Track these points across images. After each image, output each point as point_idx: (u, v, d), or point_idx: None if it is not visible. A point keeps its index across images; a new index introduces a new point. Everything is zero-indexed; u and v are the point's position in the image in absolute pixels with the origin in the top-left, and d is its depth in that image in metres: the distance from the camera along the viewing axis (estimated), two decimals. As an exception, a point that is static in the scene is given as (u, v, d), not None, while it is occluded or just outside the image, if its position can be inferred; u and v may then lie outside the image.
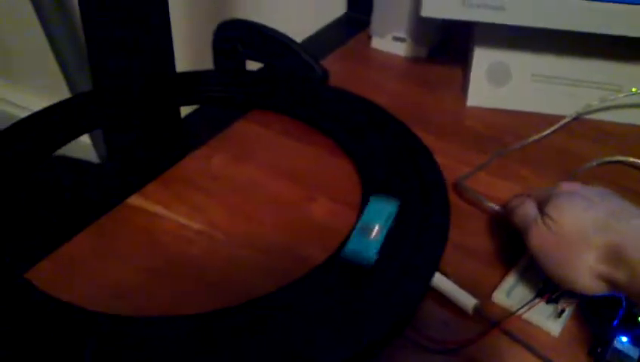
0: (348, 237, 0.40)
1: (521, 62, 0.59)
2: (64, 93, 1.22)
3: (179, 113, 0.51)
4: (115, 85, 0.44)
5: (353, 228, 0.40)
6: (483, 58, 0.59)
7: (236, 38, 0.63)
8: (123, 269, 0.40)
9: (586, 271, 0.35)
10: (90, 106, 0.53)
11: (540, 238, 0.37)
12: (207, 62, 0.65)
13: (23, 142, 0.50)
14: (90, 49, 0.42)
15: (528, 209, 0.40)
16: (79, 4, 0.41)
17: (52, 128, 0.51)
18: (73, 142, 0.52)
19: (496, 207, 0.45)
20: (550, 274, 0.37)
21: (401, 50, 0.69)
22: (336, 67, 0.64)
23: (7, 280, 0.38)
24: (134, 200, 0.46)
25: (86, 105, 0.54)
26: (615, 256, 0.34)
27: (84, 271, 0.40)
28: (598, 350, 0.36)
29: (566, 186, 0.40)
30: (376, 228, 0.40)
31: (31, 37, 1.23)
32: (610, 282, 0.35)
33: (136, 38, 0.42)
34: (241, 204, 0.46)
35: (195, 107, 0.59)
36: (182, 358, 0.34)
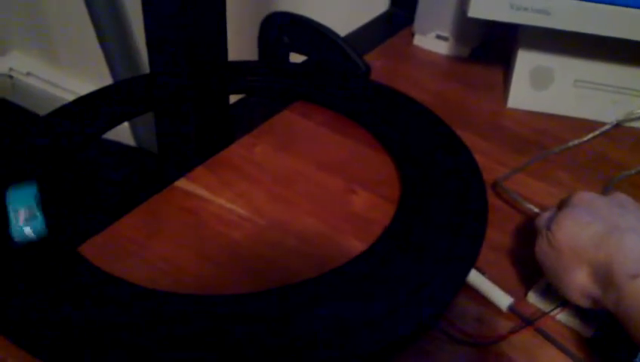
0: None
1: (564, 67, 0.59)
2: (107, 77, 1.25)
3: (227, 101, 0.52)
4: (169, 70, 0.46)
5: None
6: (526, 61, 0.59)
7: (282, 30, 0.64)
8: (169, 248, 0.42)
9: (577, 288, 0.36)
10: (141, 90, 0.55)
11: (540, 250, 0.38)
12: (252, 53, 0.66)
13: (77, 122, 0.52)
14: (149, 35, 0.44)
15: (541, 220, 0.40)
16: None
17: (103, 110, 0.53)
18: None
19: (534, 209, 0.46)
20: (551, 284, 0.38)
21: (443, 48, 0.69)
22: (378, 63, 0.65)
23: (62, 254, 0.40)
24: (182, 183, 0.47)
25: (137, 89, 0.56)
26: (604, 275, 0.34)
27: (134, 248, 0.42)
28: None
29: (580, 196, 0.39)
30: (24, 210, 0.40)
31: (77, 22, 1.26)
32: (599, 303, 0.35)
33: (193, 26, 0.44)
34: (283, 192, 0.48)
35: (240, 96, 0.60)
36: (222, 335, 0.35)
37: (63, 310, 0.36)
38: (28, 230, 0.40)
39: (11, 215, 0.40)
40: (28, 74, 1.48)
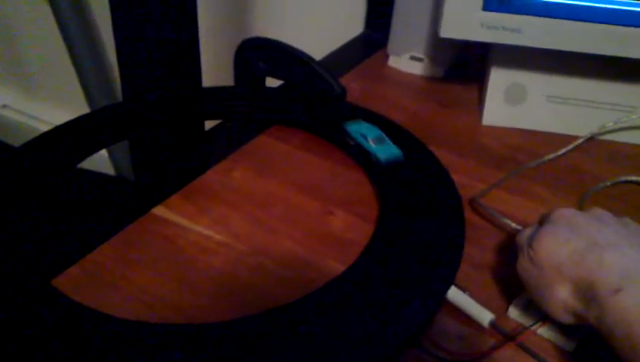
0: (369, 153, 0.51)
1: (537, 83, 0.60)
2: (83, 107, 1.25)
3: (203, 127, 0.52)
4: (144, 98, 0.45)
5: (365, 144, 0.51)
6: (499, 78, 0.60)
7: (258, 55, 0.65)
8: (148, 278, 0.41)
9: (558, 305, 0.36)
10: (116, 118, 0.55)
11: (521, 268, 0.38)
12: (228, 79, 0.66)
13: (50, 153, 0.51)
14: (122, 63, 0.44)
15: (522, 237, 0.40)
16: (112, 20, 0.42)
17: (78, 139, 0.53)
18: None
19: (512, 224, 0.46)
20: (533, 300, 0.38)
21: (418, 69, 0.70)
22: (353, 85, 0.65)
23: (35, 287, 0.39)
24: (158, 210, 0.47)
25: (112, 117, 0.55)
26: (586, 292, 0.34)
27: (110, 278, 0.41)
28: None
29: (559, 213, 0.39)
30: (381, 136, 0.52)
31: (52, 51, 1.25)
32: (581, 319, 0.35)
33: (166, 53, 0.44)
34: (261, 216, 0.47)
35: (216, 122, 0.60)
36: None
37: (37, 345, 0.35)
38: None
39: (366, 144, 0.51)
40: (4, 106, 1.47)
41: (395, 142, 0.55)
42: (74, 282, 0.40)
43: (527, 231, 0.40)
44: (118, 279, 0.41)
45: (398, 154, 0.51)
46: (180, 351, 0.36)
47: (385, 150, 0.51)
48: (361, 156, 0.52)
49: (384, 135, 0.52)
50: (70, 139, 0.53)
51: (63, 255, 0.43)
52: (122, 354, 0.35)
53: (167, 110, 0.46)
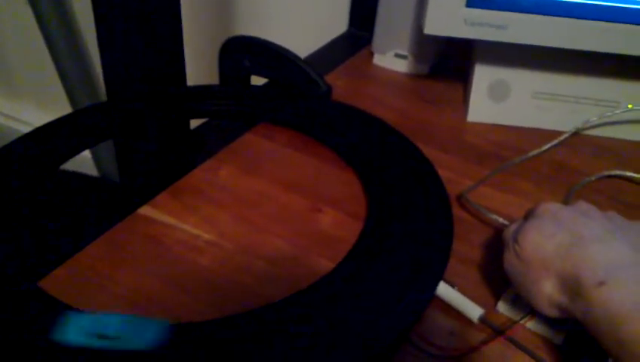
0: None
1: (521, 79, 0.60)
2: (66, 107, 1.23)
3: (188, 125, 0.52)
4: (128, 97, 0.45)
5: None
6: (483, 75, 0.61)
7: (242, 53, 0.64)
8: (135, 277, 0.41)
9: (544, 299, 0.36)
10: (100, 118, 0.54)
11: (508, 262, 0.39)
12: (212, 78, 0.66)
13: (33, 154, 0.50)
14: (105, 62, 0.44)
15: (508, 232, 0.40)
16: (95, 19, 0.42)
17: (62, 140, 0.52)
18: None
19: (499, 219, 0.46)
20: (520, 295, 0.39)
21: (402, 67, 0.70)
22: (338, 83, 0.65)
23: (22, 289, 0.39)
24: (145, 210, 0.46)
25: (96, 117, 0.55)
26: (571, 285, 0.34)
27: (97, 279, 0.41)
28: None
29: (544, 207, 0.39)
30: None
31: (33, 51, 1.24)
32: (567, 312, 0.35)
33: (150, 52, 0.44)
34: (249, 215, 0.47)
35: (202, 120, 0.60)
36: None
37: (24, 347, 0.35)
38: None
39: None
40: (-16, 108, 1.45)
41: (381, 139, 0.55)
42: (61, 283, 0.40)
43: (513, 226, 0.40)
44: (105, 279, 0.41)
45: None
46: (168, 349, 0.35)
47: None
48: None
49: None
50: (54, 139, 0.52)
51: (49, 256, 0.42)
52: (110, 354, 0.35)
53: (152, 109, 0.46)
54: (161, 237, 0.44)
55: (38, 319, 0.37)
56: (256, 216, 0.47)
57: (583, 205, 0.39)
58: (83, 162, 1.21)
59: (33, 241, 0.45)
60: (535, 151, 0.56)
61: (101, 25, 0.43)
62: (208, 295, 0.41)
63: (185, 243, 0.44)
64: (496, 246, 0.46)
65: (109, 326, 0.34)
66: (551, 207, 0.39)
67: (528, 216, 0.40)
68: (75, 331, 0.34)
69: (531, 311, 0.39)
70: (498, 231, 0.47)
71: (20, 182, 0.47)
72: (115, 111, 0.46)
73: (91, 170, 1.26)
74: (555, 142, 0.57)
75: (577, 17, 0.53)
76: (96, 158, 1.22)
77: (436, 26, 0.55)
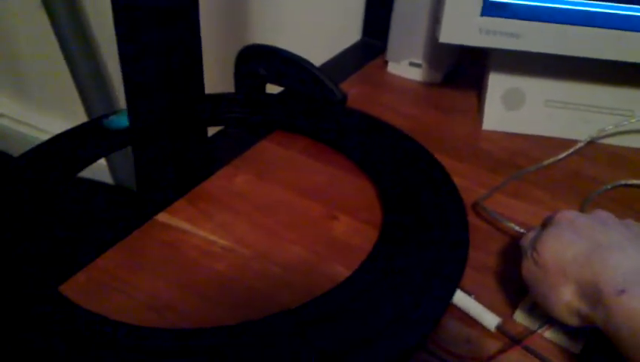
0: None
1: (536, 88, 0.60)
2: (81, 115, 1.25)
3: (206, 133, 0.52)
4: (147, 105, 0.46)
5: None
6: (498, 83, 0.61)
7: (258, 61, 0.65)
8: (153, 283, 0.41)
9: (563, 307, 0.36)
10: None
11: (526, 270, 0.39)
12: (228, 86, 0.66)
13: (52, 161, 0.51)
14: (125, 70, 0.44)
15: (526, 240, 0.40)
16: (115, 27, 0.43)
17: (80, 147, 0.53)
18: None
19: (515, 227, 0.46)
20: (538, 303, 0.39)
21: (416, 75, 0.71)
22: (353, 91, 0.65)
23: (42, 293, 0.39)
24: (162, 216, 0.47)
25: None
26: (591, 293, 0.34)
27: (116, 284, 0.41)
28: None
29: (562, 215, 0.39)
30: None
31: (48, 58, 1.25)
32: (587, 320, 0.35)
33: (170, 60, 0.44)
34: (265, 222, 0.47)
35: (218, 128, 0.60)
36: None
37: (46, 351, 0.35)
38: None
39: None
40: (1, 115, 1.47)
41: (396, 147, 0.55)
42: (80, 288, 0.40)
43: (531, 234, 0.40)
44: (124, 285, 0.41)
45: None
46: (186, 355, 0.36)
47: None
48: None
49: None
50: (73, 146, 0.53)
51: (68, 262, 0.43)
52: (129, 359, 0.35)
53: (170, 117, 0.46)
54: (177, 243, 0.45)
55: (59, 323, 0.37)
56: (272, 223, 0.47)
57: (601, 213, 0.39)
58: (98, 170, 1.22)
59: (52, 247, 0.46)
60: (550, 160, 0.56)
61: (122, 34, 0.43)
62: (224, 300, 0.41)
63: (201, 249, 0.44)
64: (512, 254, 0.46)
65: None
66: (569, 215, 0.39)
67: (546, 224, 0.40)
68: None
69: (549, 320, 0.39)
70: (514, 240, 0.47)
71: (38, 189, 0.48)
72: (134, 118, 0.47)
73: (106, 177, 1.27)
74: (570, 150, 0.57)
75: (592, 26, 0.53)
76: (112, 166, 1.23)
77: (451, 34, 0.56)
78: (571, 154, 0.57)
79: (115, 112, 0.55)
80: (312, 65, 0.63)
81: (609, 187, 0.53)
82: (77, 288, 0.40)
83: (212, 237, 0.45)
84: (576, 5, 0.53)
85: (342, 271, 0.43)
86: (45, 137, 0.53)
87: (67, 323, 0.37)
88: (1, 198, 0.47)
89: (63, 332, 0.37)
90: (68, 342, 0.36)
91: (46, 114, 1.40)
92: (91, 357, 0.35)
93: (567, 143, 0.58)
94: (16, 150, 0.54)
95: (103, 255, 0.43)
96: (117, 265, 0.43)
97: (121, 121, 0.52)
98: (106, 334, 0.37)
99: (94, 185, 1.16)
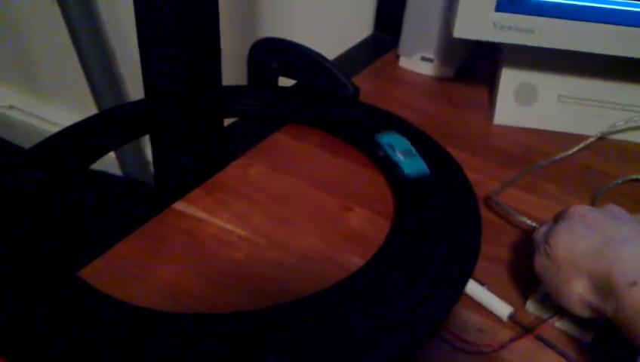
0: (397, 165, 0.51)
1: (548, 83, 0.61)
2: (91, 107, 1.25)
3: (222, 124, 0.53)
4: (166, 95, 0.46)
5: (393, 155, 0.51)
6: (510, 78, 0.61)
7: (271, 54, 0.65)
8: (170, 269, 0.42)
9: (575, 299, 0.37)
10: (136, 115, 0.56)
11: (539, 264, 0.39)
12: (240, 78, 0.67)
13: (65, 153, 0.52)
14: (144, 61, 0.45)
15: (538, 234, 0.41)
16: (135, 15, 0.43)
17: (93, 138, 0.54)
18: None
19: (527, 221, 0.47)
20: (551, 295, 0.39)
21: (428, 69, 0.71)
22: (365, 86, 0.66)
23: (62, 278, 0.40)
24: (179, 205, 0.48)
25: (133, 114, 0.56)
26: (603, 285, 0.35)
27: (134, 270, 0.42)
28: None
29: (574, 210, 0.40)
30: (410, 149, 0.51)
31: (59, 51, 1.26)
32: (599, 312, 0.36)
33: (190, 49, 0.45)
34: (279, 212, 0.48)
35: (232, 120, 0.61)
36: (224, 353, 0.36)
37: (65, 333, 0.36)
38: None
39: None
40: (10, 107, 1.48)
41: (408, 141, 0.56)
42: (99, 274, 0.41)
43: (543, 228, 0.41)
44: (142, 271, 0.42)
45: (424, 169, 0.50)
46: (203, 339, 0.36)
47: (412, 164, 0.51)
48: (388, 167, 0.53)
49: (413, 148, 0.52)
50: (85, 138, 0.54)
51: (87, 249, 0.44)
52: (148, 343, 0.36)
53: (189, 107, 0.47)
54: (195, 232, 0.45)
55: (77, 307, 0.38)
56: (287, 213, 0.48)
57: (613, 208, 0.40)
58: (106, 162, 1.23)
59: (70, 235, 0.47)
60: (562, 155, 0.57)
61: (142, 22, 0.44)
62: (240, 288, 0.42)
63: (218, 237, 0.45)
64: (524, 247, 0.46)
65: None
66: (581, 210, 0.39)
67: (558, 218, 0.40)
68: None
69: (560, 311, 0.39)
70: (526, 233, 0.47)
71: (52, 180, 0.49)
72: (153, 108, 0.48)
73: (115, 169, 1.27)
74: (581, 145, 0.58)
75: (605, 22, 0.54)
76: (121, 159, 1.24)
77: (465, 29, 0.56)
78: (582, 149, 0.58)
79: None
80: (324, 58, 0.64)
81: (620, 182, 0.54)
82: (96, 273, 0.41)
83: (228, 227, 0.46)
84: (590, 2, 0.53)
85: (356, 261, 0.44)
86: (55, 129, 0.54)
87: (86, 307, 0.38)
88: (16, 189, 0.47)
89: (82, 315, 0.37)
90: (86, 325, 0.37)
91: (56, 106, 1.41)
92: (109, 340, 0.36)
93: (578, 138, 0.59)
94: (27, 142, 0.55)
95: (122, 241, 0.44)
96: (135, 251, 0.43)
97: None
98: (125, 318, 0.38)
99: (104, 177, 1.17)
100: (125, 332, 0.37)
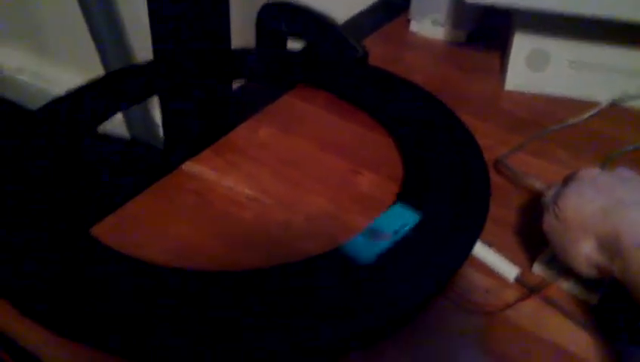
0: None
1: (560, 49, 0.60)
2: (98, 69, 1.25)
3: (231, 85, 0.53)
4: (176, 56, 0.46)
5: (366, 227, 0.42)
6: (522, 43, 0.60)
7: (280, 17, 0.65)
8: (180, 228, 0.43)
9: (583, 259, 0.37)
10: (144, 76, 0.55)
11: (547, 224, 0.39)
12: (249, 40, 0.67)
13: (73, 113, 0.52)
14: (154, 22, 0.45)
15: (547, 195, 0.41)
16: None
17: (107, 96, 0.54)
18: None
19: (536, 184, 0.47)
20: (558, 256, 0.39)
21: (439, 34, 0.70)
22: (375, 49, 0.65)
23: (73, 235, 0.41)
24: (188, 166, 0.48)
25: (141, 75, 0.56)
26: (610, 246, 0.35)
27: (145, 228, 0.42)
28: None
29: (584, 172, 0.40)
30: (385, 233, 0.41)
31: (67, 13, 1.25)
32: (606, 272, 0.36)
33: (198, 13, 0.44)
34: (288, 173, 0.48)
35: (240, 82, 0.61)
36: (233, 309, 0.36)
37: (79, 290, 0.37)
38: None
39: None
40: (19, 69, 1.48)
41: (418, 105, 0.56)
42: (110, 231, 0.42)
43: (553, 190, 0.41)
44: (153, 229, 0.42)
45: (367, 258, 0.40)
46: (213, 295, 0.37)
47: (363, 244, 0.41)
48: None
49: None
50: (97, 96, 0.54)
51: (97, 207, 0.44)
52: (158, 299, 0.36)
53: (197, 68, 0.47)
54: (204, 192, 0.46)
55: (90, 263, 0.39)
56: (296, 175, 0.48)
57: (623, 171, 0.40)
58: (113, 124, 1.22)
59: (80, 194, 0.47)
60: (572, 120, 0.56)
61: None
62: (250, 247, 0.42)
63: (227, 197, 0.45)
64: (532, 209, 0.46)
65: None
66: (591, 173, 0.39)
67: (568, 180, 0.40)
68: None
69: (567, 273, 0.40)
70: (534, 196, 0.47)
71: (62, 140, 0.49)
72: (162, 69, 0.47)
73: (123, 132, 1.28)
74: (592, 111, 0.57)
75: (621, -15, 0.53)
76: (128, 121, 1.24)
77: (477, -8, 0.55)
78: (593, 115, 0.57)
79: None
80: (334, 21, 0.63)
81: (630, 148, 0.54)
82: (107, 230, 0.42)
83: (237, 187, 0.46)
84: (605, -36, 0.52)
85: (364, 222, 0.44)
86: (61, 91, 0.53)
87: (97, 263, 0.39)
88: (26, 149, 0.47)
89: (94, 272, 0.38)
90: (98, 281, 0.37)
91: (64, 68, 1.40)
92: (121, 297, 0.36)
93: (589, 105, 0.58)
94: (35, 104, 0.55)
95: (133, 200, 0.44)
96: (146, 209, 0.44)
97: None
98: (136, 274, 0.38)
99: (112, 138, 1.17)
100: (136, 288, 0.37)
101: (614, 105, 0.59)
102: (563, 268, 0.40)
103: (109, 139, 1.17)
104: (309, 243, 0.42)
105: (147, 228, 0.42)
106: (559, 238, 0.38)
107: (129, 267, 0.39)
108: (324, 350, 0.35)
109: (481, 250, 0.41)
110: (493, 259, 0.41)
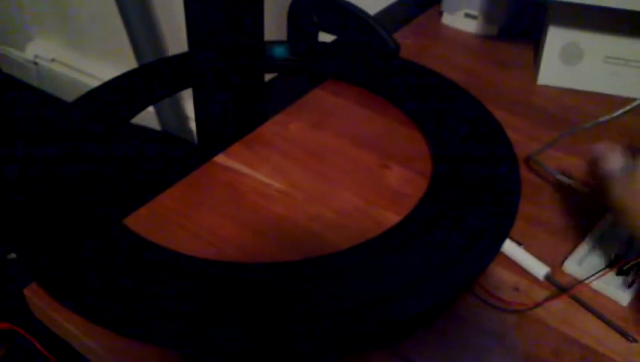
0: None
1: (594, 43, 0.59)
2: (131, 61, 1.27)
3: (263, 79, 0.53)
4: (210, 49, 0.47)
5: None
6: (556, 38, 0.60)
7: (311, 9, 0.65)
8: (212, 219, 0.43)
9: None
10: (179, 69, 0.56)
11: (622, 194, 0.38)
12: (280, 33, 0.67)
13: (113, 102, 0.53)
14: (189, 15, 0.45)
15: (613, 170, 0.40)
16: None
17: (141, 89, 0.54)
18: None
19: (568, 180, 0.47)
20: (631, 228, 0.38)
21: (471, 27, 0.70)
22: (406, 42, 0.65)
23: (106, 225, 0.41)
24: (220, 158, 0.48)
25: (175, 68, 0.57)
26: None
27: (177, 219, 0.43)
28: None
29: None
30: None
31: (100, 5, 1.27)
32: None
33: (232, 6, 0.45)
34: (318, 167, 0.49)
35: (271, 76, 0.61)
36: (262, 301, 0.37)
37: (112, 279, 0.38)
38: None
39: None
40: (52, 60, 1.51)
41: (449, 99, 0.55)
42: (143, 222, 0.42)
43: (615, 167, 0.40)
44: (185, 220, 0.43)
45: None
46: (244, 286, 0.37)
47: None
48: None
49: None
50: (131, 88, 0.54)
51: (131, 198, 0.45)
52: (190, 289, 0.37)
53: (231, 62, 0.47)
54: (236, 184, 0.46)
55: (123, 253, 0.40)
56: (325, 169, 0.48)
57: None
58: (144, 116, 1.25)
59: (114, 184, 0.48)
60: (606, 117, 0.55)
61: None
62: (280, 240, 0.43)
63: (258, 190, 0.46)
64: (564, 207, 0.46)
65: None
66: None
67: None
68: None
69: (598, 272, 0.39)
70: (565, 193, 0.47)
71: (95, 132, 0.50)
72: (195, 62, 0.48)
73: (153, 124, 1.29)
74: (626, 108, 0.56)
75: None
76: (160, 114, 1.26)
77: (511, -15, 0.55)
78: (627, 112, 0.56)
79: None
80: (365, 13, 0.63)
81: (666, 146, 0.53)
82: (140, 222, 0.42)
83: (268, 180, 0.47)
84: (644, -43, 0.51)
85: (393, 217, 0.44)
86: (96, 83, 0.55)
87: (130, 254, 0.40)
88: (60, 141, 0.49)
89: (126, 261, 0.39)
90: (130, 271, 0.38)
91: (97, 60, 1.43)
92: (153, 286, 0.37)
93: (623, 101, 0.57)
94: (68, 95, 0.56)
95: (165, 191, 0.45)
96: (178, 201, 0.45)
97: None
98: (168, 264, 0.39)
99: (144, 130, 1.19)
100: (168, 278, 0.38)
101: (650, 102, 0.58)
102: (594, 267, 0.39)
103: (142, 131, 1.19)
104: (338, 237, 0.43)
105: (179, 218, 0.43)
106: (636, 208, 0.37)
107: (160, 257, 0.39)
108: (349, 345, 0.36)
109: (510, 248, 0.41)
110: (523, 257, 0.41)
